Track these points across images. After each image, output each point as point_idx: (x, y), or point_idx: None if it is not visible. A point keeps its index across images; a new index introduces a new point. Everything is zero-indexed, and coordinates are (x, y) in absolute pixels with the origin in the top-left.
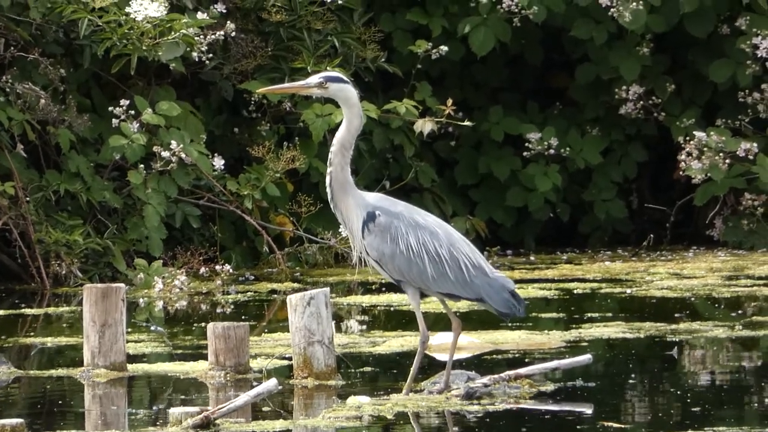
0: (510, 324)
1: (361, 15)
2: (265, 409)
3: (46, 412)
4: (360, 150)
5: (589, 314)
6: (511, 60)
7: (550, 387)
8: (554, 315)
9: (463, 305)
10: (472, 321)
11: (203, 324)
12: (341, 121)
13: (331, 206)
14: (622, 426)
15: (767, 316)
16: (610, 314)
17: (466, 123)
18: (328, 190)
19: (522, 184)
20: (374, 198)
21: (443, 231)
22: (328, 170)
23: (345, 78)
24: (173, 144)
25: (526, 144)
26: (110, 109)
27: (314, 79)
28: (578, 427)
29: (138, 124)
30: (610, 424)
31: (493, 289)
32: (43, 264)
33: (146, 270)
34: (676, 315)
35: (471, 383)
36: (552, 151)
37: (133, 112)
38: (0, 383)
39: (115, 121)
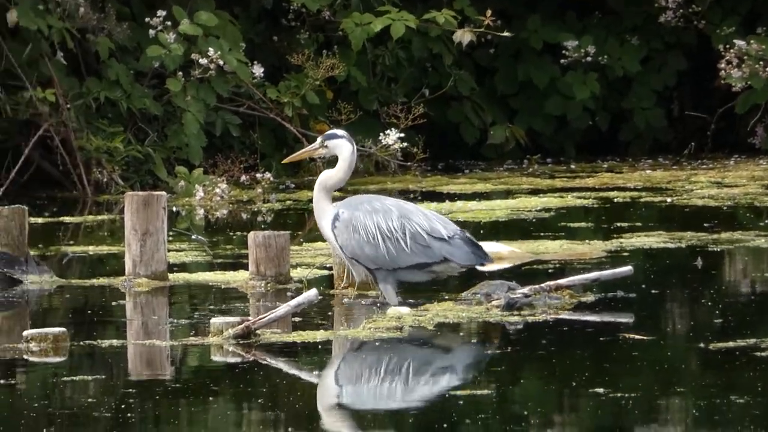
0: (551, 234)
1: None
2: (297, 319)
3: (87, 321)
4: (398, 58)
5: (629, 223)
6: None
7: (590, 298)
8: (594, 224)
9: None
10: (513, 230)
11: (244, 233)
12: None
13: None
14: (645, 337)
15: None
16: (651, 224)
17: (505, 33)
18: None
19: (561, 93)
20: (342, 202)
21: (397, 208)
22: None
23: (340, 133)
24: (211, 52)
25: (564, 52)
26: (146, 20)
27: (318, 140)
28: (617, 335)
29: (175, 35)
30: (632, 335)
31: (453, 248)
32: (84, 171)
33: (187, 178)
34: (716, 224)
35: (511, 293)
36: (589, 59)
37: (170, 22)
38: (42, 292)
39: (152, 31)
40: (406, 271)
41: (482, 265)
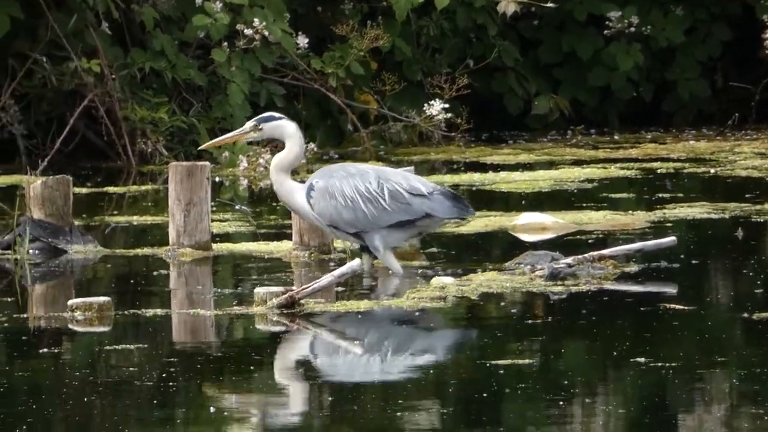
0: (594, 205)
1: None
2: (340, 289)
3: (131, 290)
4: (443, 29)
5: (673, 194)
6: None
7: (633, 268)
8: (638, 195)
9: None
10: (556, 201)
11: None
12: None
13: None
14: (685, 308)
15: None
16: (694, 194)
17: (549, 4)
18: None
19: (604, 63)
20: (315, 174)
21: (373, 170)
22: (273, 186)
23: (277, 115)
24: (256, 22)
25: (607, 23)
26: None
27: (249, 123)
28: (659, 306)
29: (221, 4)
30: (673, 306)
31: (434, 203)
32: (129, 141)
33: (231, 148)
34: (759, 195)
35: (555, 264)
36: (633, 30)
37: None
38: (87, 262)
39: (197, 1)
40: (388, 231)
41: (464, 217)
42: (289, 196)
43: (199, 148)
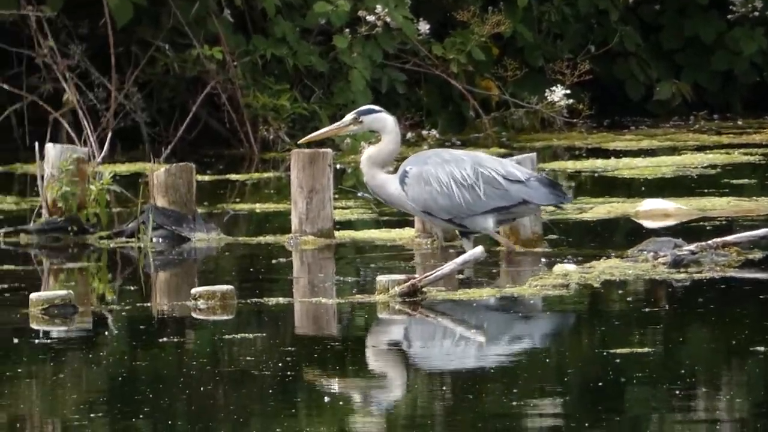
0: (717, 191)
1: None
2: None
3: (254, 278)
4: (564, 15)
5: None
6: None
7: (758, 255)
8: (761, 181)
9: None
10: (679, 187)
11: None
12: None
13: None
14: None
15: None
16: None
17: None
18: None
19: (727, 48)
20: (407, 161)
21: (469, 157)
22: (364, 178)
23: (377, 108)
24: (378, 8)
25: (731, 7)
26: None
27: (349, 116)
28: None
29: None
30: None
31: (531, 189)
32: (251, 128)
33: (353, 135)
34: None
35: (678, 251)
36: (757, 14)
37: None
38: (210, 250)
39: None
40: (483, 217)
41: (561, 204)
42: (383, 188)
43: (301, 141)
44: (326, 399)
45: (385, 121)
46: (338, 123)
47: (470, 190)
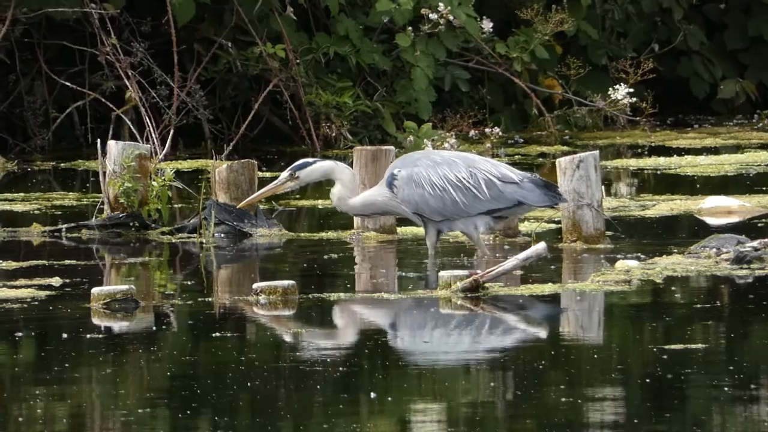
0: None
1: None
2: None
3: (316, 274)
4: (628, 13)
5: None
6: None
7: None
8: None
9: None
10: (742, 185)
11: None
12: None
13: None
14: None
15: None
16: None
17: None
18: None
19: None
20: (394, 163)
21: (461, 159)
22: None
23: (311, 160)
24: (441, 6)
25: None
26: None
27: (284, 173)
28: None
29: None
30: None
31: (526, 191)
32: (313, 126)
33: (416, 132)
34: None
35: (741, 247)
36: None
37: None
38: (271, 245)
39: None
40: (476, 219)
41: (556, 205)
42: (370, 206)
43: (239, 205)
44: (387, 394)
45: (323, 168)
46: (275, 182)
47: (466, 191)
